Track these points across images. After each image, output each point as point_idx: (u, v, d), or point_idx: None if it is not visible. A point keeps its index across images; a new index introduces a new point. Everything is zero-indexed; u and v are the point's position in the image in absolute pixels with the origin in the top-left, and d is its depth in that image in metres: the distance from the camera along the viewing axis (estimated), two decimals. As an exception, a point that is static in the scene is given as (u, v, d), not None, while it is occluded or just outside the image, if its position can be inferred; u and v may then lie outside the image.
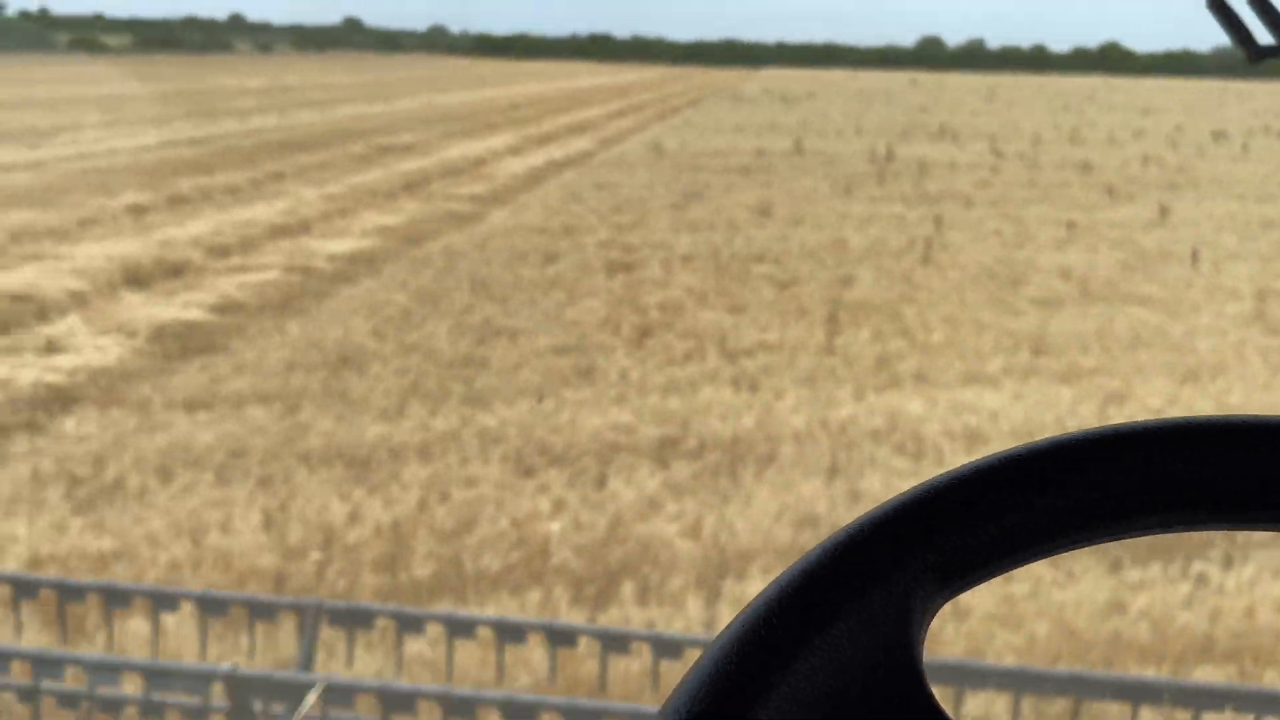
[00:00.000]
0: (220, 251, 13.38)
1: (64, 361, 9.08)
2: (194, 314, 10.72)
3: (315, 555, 4.86)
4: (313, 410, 6.91)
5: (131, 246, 13.49)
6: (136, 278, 12.30)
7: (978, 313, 9.85)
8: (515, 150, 25.92)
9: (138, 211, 16.12)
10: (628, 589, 4.55)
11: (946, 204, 17.54)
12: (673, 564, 4.74)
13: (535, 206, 15.93)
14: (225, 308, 10.80)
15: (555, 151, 25.67)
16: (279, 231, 14.67)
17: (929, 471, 5.66)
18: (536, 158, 24.23)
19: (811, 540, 4.75)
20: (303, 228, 15.06)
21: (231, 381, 7.58)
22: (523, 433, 6.44)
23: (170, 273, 12.51)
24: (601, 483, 5.68)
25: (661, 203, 16.38)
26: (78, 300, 11.20)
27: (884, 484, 5.44)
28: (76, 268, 12.36)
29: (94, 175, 19.50)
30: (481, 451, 6.15)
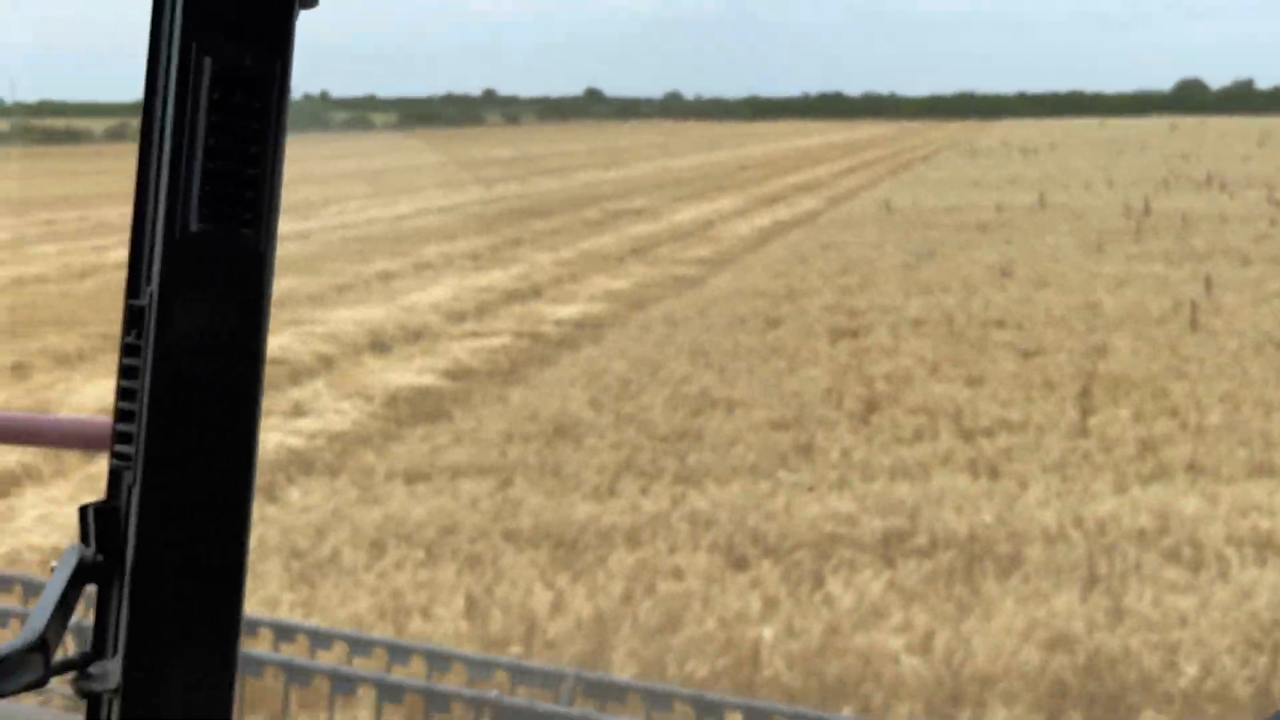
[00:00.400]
0: (457, 317, 13.86)
1: (306, 425, 9.51)
2: (427, 379, 11.06)
3: (515, 649, 4.66)
4: (525, 485, 6.82)
5: (378, 312, 14.21)
6: (380, 342, 12.90)
7: (1263, 389, 8.63)
8: (742, 212, 25.85)
9: (386, 277, 17.07)
10: (846, 712, 4.06)
11: (1217, 261, 15.87)
12: (898, 685, 4.20)
13: (758, 269, 15.66)
14: (456, 373, 11.08)
15: (782, 212, 25.40)
16: (512, 297, 15.07)
17: (1209, 587, 4.79)
18: (763, 218, 24.04)
19: (1068, 667, 4.07)
20: (534, 293, 15.43)
21: (451, 452, 7.64)
22: (735, 518, 6.06)
23: (410, 337, 13.04)
24: (819, 581, 5.20)
25: (891, 263, 15.72)
26: (325, 364, 11.83)
27: (1155, 600, 4.65)
28: (328, 332, 13.10)
29: (354, 244, 20.93)
30: (691, 537, 5.82)
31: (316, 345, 12.51)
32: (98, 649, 0.74)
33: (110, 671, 0.73)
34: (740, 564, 5.49)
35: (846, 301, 12.68)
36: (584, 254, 18.94)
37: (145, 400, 0.72)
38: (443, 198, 29.38)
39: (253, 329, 0.74)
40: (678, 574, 5.32)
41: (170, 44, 0.72)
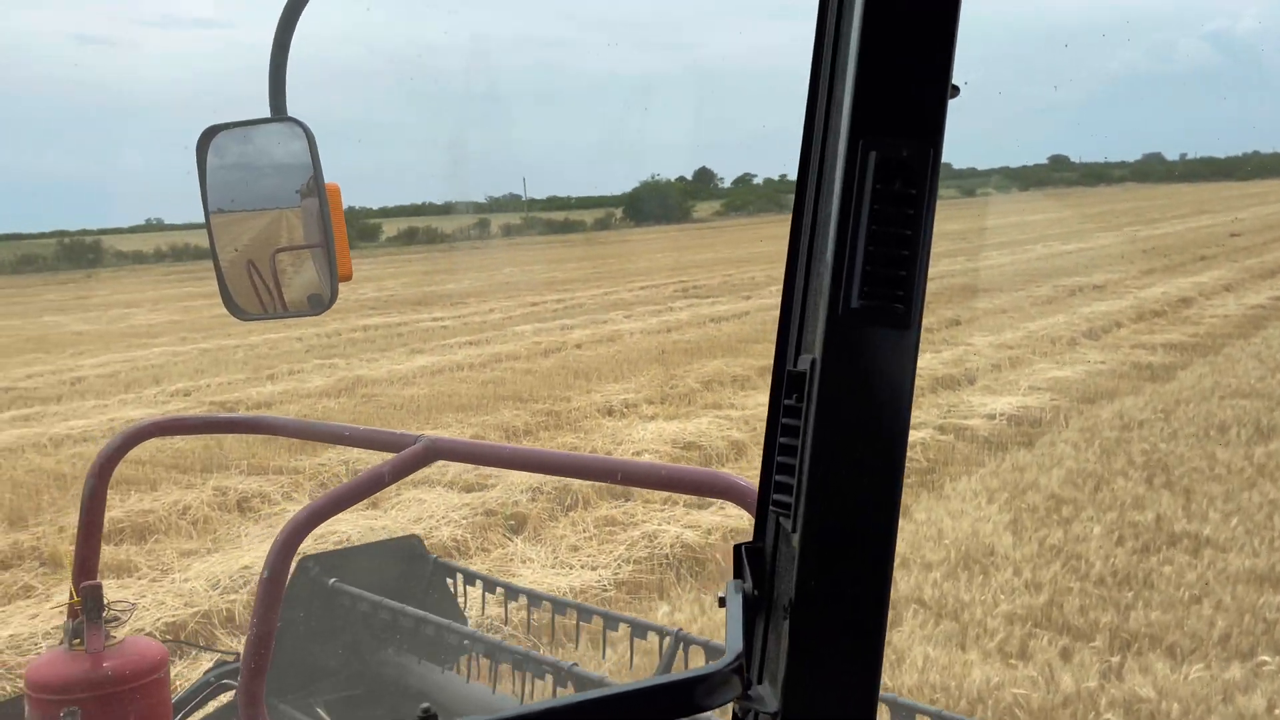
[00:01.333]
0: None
1: (703, 519, 9.05)
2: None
3: None
4: (914, 629, 5.68)
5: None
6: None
7: None
8: (1230, 286, 22.07)
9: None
10: None
11: None
12: None
13: (1247, 360, 12.85)
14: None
15: (1286, 286, 21.30)
16: (941, 383, 13.76)
17: None
18: (1258, 294, 20.27)
19: None
20: (968, 379, 14.00)
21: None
22: (1191, 717, 4.47)
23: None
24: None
25: None
26: (736, 450, 11.37)
27: None
28: (744, 416, 12.70)
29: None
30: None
31: (731, 431, 12.11)
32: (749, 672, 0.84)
33: (766, 696, 0.83)
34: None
35: None
36: (1030, 336, 17.03)
37: (805, 456, 0.80)
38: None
39: (899, 398, 0.80)
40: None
41: (836, 138, 0.80)
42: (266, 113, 1.85)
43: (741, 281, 31.19)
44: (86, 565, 2.25)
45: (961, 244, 41.37)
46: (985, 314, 19.97)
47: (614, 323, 22.51)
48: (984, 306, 21.08)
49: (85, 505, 2.26)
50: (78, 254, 66.76)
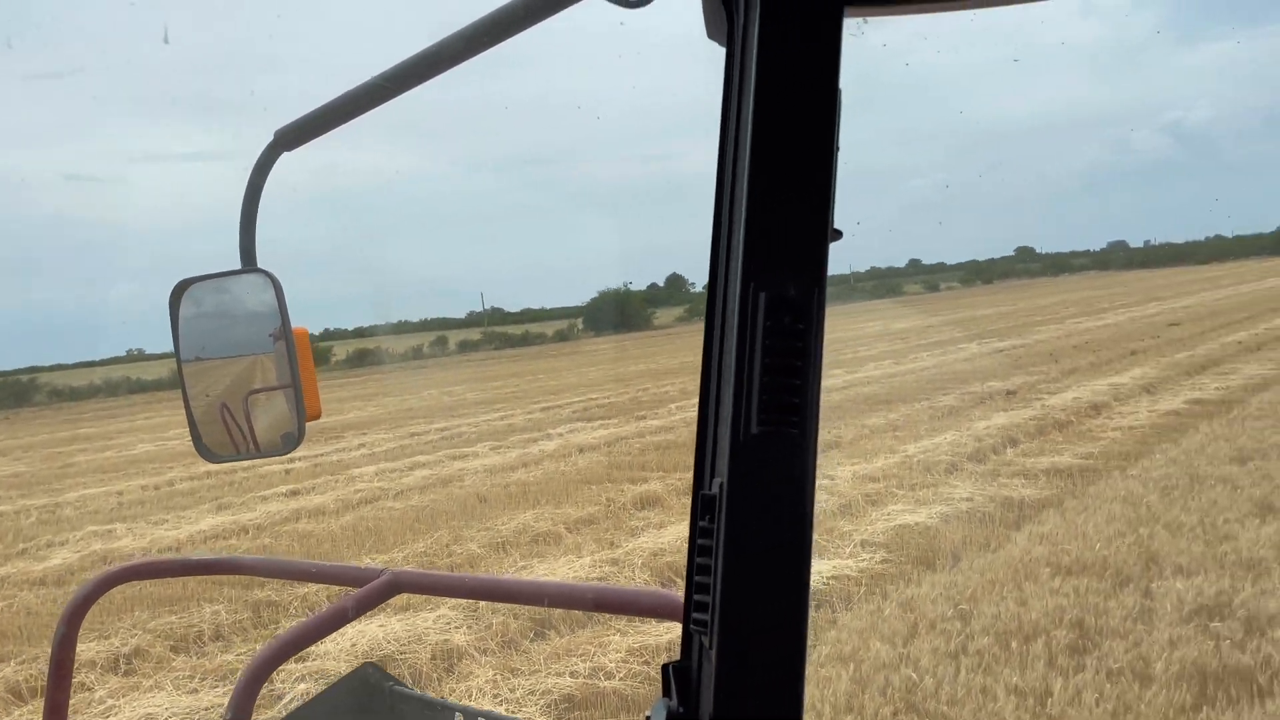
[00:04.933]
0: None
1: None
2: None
3: None
4: None
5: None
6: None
7: None
8: (1151, 387, 19.96)
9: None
10: None
11: None
12: None
13: (1109, 505, 10.38)
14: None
15: (1209, 385, 19.19)
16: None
17: None
18: (1175, 399, 18.12)
19: None
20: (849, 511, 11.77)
21: None
22: None
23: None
24: None
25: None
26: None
27: None
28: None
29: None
30: None
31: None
32: None
33: None
34: None
35: (1232, 594, 7.34)
36: (905, 462, 14.80)
37: (719, 576, 0.86)
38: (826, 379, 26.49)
39: (801, 518, 0.87)
40: None
41: (730, 282, 0.88)
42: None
43: (653, 397, 29.07)
44: (58, 710, 2.29)
45: (899, 344, 39.49)
46: (870, 434, 17.73)
47: (475, 457, 20.20)
48: (874, 423, 18.86)
49: (56, 651, 2.32)
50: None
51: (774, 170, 0.84)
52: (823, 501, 12.81)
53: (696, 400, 0.93)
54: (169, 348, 1.96)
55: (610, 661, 7.69)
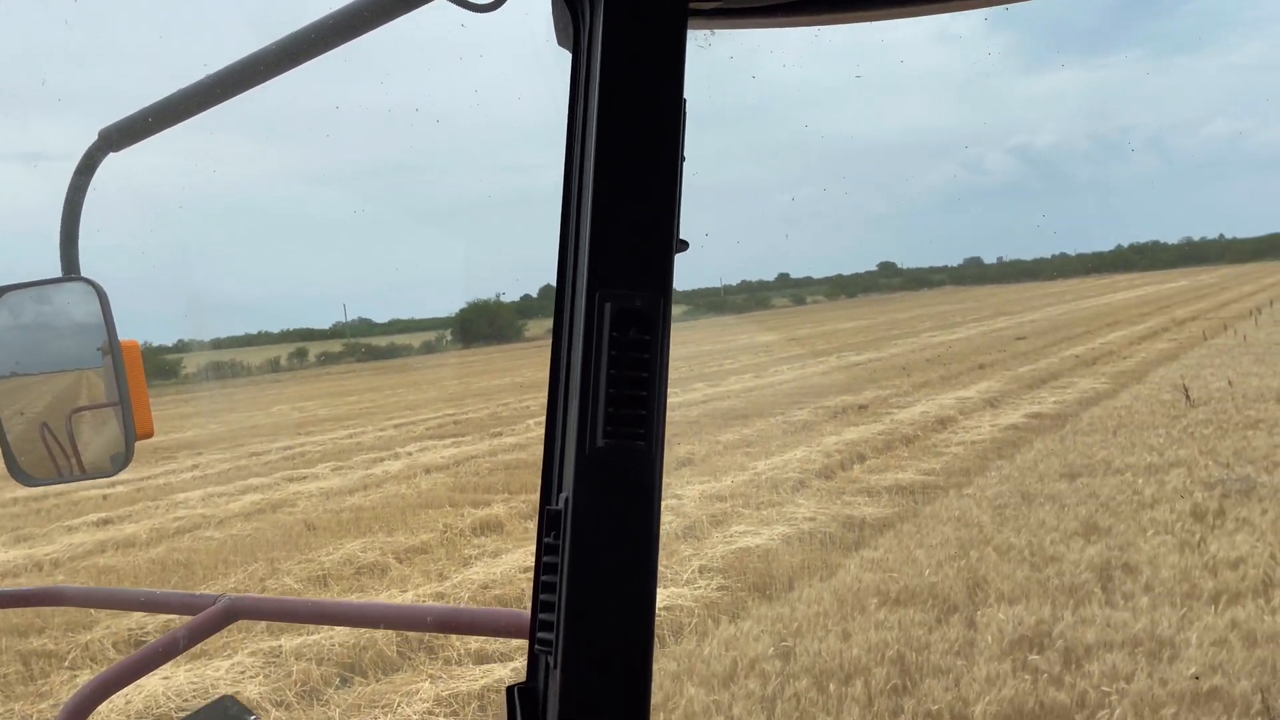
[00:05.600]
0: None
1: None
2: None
3: None
4: None
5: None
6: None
7: None
8: (994, 401, 20.37)
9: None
10: None
11: None
12: None
13: (940, 527, 10.34)
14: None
15: (1047, 400, 19.69)
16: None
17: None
18: (1016, 413, 18.49)
19: None
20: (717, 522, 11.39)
21: None
22: None
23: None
24: None
25: (1172, 508, 9.97)
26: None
27: None
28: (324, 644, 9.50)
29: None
30: None
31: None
32: None
33: None
34: None
35: (1046, 622, 7.19)
36: (754, 480, 14.59)
37: (564, 592, 0.83)
38: (682, 394, 26.21)
39: (647, 531, 0.84)
40: None
41: (577, 292, 0.87)
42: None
43: (513, 413, 28.35)
44: None
45: (762, 357, 39.78)
46: (723, 450, 17.51)
47: (314, 479, 19.14)
48: (728, 439, 18.66)
49: None
50: None
51: (618, 178, 0.84)
52: (668, 523, 12.44)
53: None
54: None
55: (415, 713, 7.06)
